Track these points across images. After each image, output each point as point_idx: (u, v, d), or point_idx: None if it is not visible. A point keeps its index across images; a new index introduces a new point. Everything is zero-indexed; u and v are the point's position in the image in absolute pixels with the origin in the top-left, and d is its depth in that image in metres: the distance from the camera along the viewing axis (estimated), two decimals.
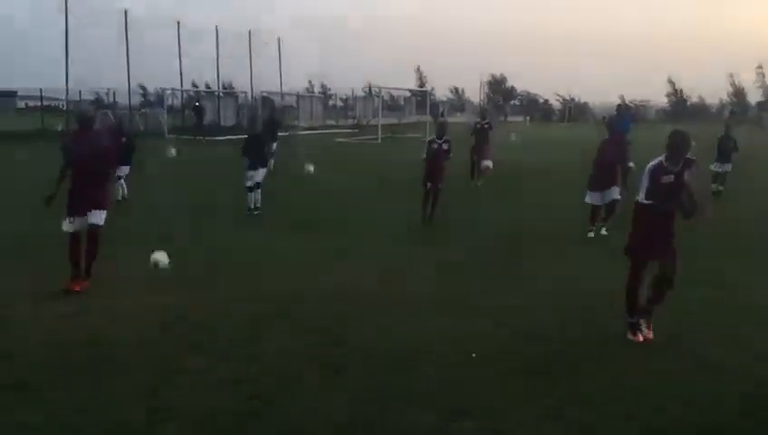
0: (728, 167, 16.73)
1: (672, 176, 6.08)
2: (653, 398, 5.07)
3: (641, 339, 6.28)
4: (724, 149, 16.77)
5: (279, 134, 20.99)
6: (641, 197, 6.25)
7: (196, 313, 6.95)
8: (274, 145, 19.94)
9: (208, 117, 45.12)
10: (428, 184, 12.27)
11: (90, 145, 7.71)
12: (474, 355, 5.85)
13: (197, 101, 41.12)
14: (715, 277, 8.57)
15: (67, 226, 7.70)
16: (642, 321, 6.35)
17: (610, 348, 6.12)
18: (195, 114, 39.81)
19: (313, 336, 6.31)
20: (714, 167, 16.61)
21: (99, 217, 7.72)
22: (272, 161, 19.49)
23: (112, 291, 7.66)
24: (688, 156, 6.14)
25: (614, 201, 11.09)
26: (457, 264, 9.34)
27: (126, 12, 38.63)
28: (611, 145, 11.34)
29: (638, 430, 4.65)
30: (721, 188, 16.41)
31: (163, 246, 9.97)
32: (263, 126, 20.13)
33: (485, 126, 19.04)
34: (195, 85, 56.46)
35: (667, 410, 4.90)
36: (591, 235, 11.17)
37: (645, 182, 6.21)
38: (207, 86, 55.76)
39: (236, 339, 6.22)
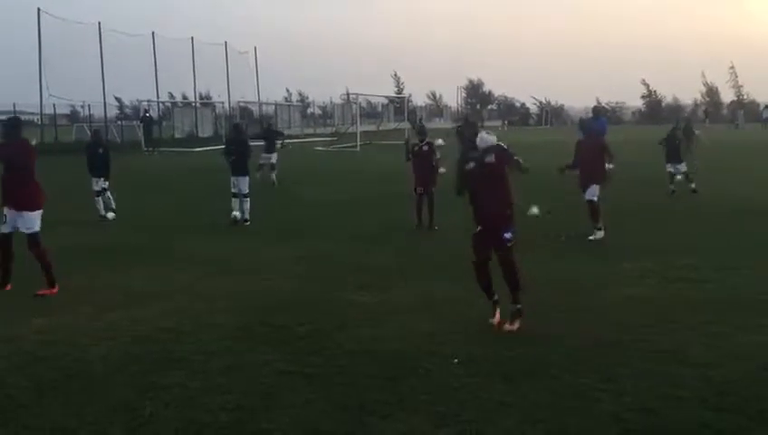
0: (682, 166, 16.76)
1: (473, 163, 6.68)
2: (636, 398, 5.08)
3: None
4: (672, 149, 16.89)
5: (278, 143, 20.22)
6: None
7: (173, 325, 6.87)
8: (274, 157, 19.56)
9: (186, 128, 44.95)
10: (418, 189, 12.28)
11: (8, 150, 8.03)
12: (456, 361, 5.84)
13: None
14: (689, 273, 8.66)
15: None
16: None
17: (594, 349, 6.12)
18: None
19: (294, 346, 6.26)
20: (668, 168, 16.80)
21: (27, 222, 7.91)
22: (274, 173, 19.28)
23: (87, 305, 7.56)
24: (496, 144, 6.71)
25: (590, 202, 11.13)
26: (440, 269, 9.34)
27: (99, 24, 38.42)
28: (587, 145, 11.39)
29: (622, 432, 4.65)
30: (693, 185, 16.54)
31: (137, 258, 9.90)
32: (262, 136, 20.16)
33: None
34: (172, 96, 56.17)
35: (650, 410, 4.90)
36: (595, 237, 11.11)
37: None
38: (185, 97, 55.47)
39: (215, 351, 6.15)
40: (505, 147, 6.76)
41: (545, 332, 6.59)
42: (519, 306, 6.69)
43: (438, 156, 12.50)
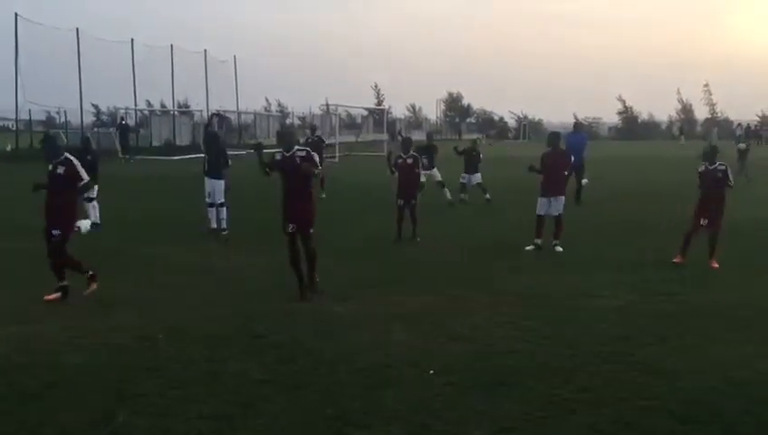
0: (478, 177, 18.11)
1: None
2: (610, 409, 5.16)
3: None
4: (471, 161, 18.20)
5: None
6: None
7: (150, 333, 6.83)
8: (436, 173, 17.84)
9: (163, 136, 44.66)
10: (399, 201, 12.38)
11: None
12: (431, 372, 5.88)
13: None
14: (663, 286, 8.80)
15: None
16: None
17: (568, 360, 6.21)
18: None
19: (271, 355, 6.27)
20: (461, 179, 18.04)
21: None
22: (446, 190, 17.89)
23: (64, 312, 7.51)
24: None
25: (558, 216, 11.46)
26: (417, 279, 9.38)
27: (78, 30, 38.09)
28: (554, 156, 11.72)
29: None
30: (464, 195, 17.75)
31: (113, 266, 9.83)
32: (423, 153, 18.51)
33: (315, 139, 19.42)
34: (150, 104, 55.74)
35: (624, 421, 4.98)
36: (529, 248, 11.37)
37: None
38: (163, 105, 55.07)
39: (193, 360, 6.13)
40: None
41: (521, 343, 6.67)
42: (91, 273, 8.27)
43: (420, 170, 12.62)
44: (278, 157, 8.36)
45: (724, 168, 10.31)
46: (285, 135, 8.84)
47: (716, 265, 10.08)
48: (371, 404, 5.22)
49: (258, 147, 8.68)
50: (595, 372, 5.90)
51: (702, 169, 10.38)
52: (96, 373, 5.82)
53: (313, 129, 21.31)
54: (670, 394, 5.44)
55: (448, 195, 17.60)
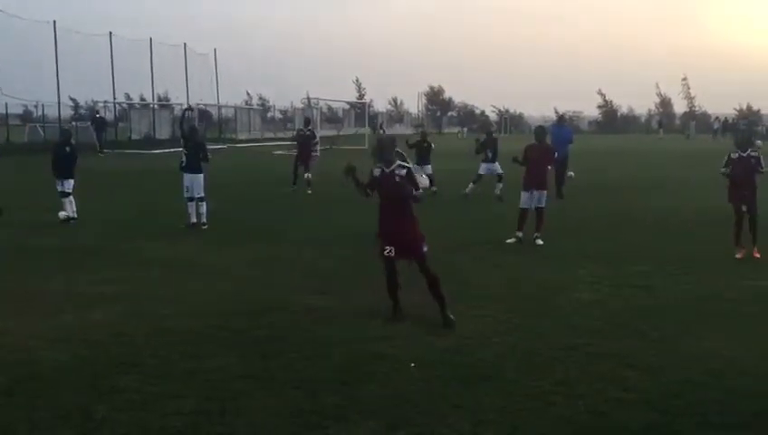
0: (428, 169, 18.04)
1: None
2: (588, 401, 5.19)
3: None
4: (421, 153, 18.39)
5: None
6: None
7: (128, 329, 6.78)
8: (497, 167, 17.85)
9: (143, 129, 44.31)
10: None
11: None
12: (413, 365, 5.89)
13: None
14: (641, 280, 8.87)
15: None
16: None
17: (547, 354, 6.24)
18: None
19: (251, 351, 6.24)
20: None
21: None
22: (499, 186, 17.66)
23: (39, 308, 7.42)
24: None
25: (541, 209, 11.57)
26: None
27: (54, 23, 37.65)
28: (538, 150, 11.82)
29: (573, 434, 4.76)
30: (434, 189, 17.69)
31: (91, 262, 9.74)
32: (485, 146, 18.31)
33: (308, 133, 19.66)
34: (129, 98, 55.31)
35: (601, 413, 5.01)
36: (510, 241, 11.43)
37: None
38: (142, 98, 54.62)
39: (171, 355, 6.09)
40: None
41: (500, 336, 6.69)
42: None
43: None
44: (377, 173, 7.27)
45: (756, 154, 10.46)
46: (386, 146, 7.51)
47: (758, 255, 10.17)
48: (351, 399, 5.22)
49: (350, 169, 7.30)
50: (572, 365, 5.93)
51: (735, 156, 10.47)
52: (71, 369, 5.76)
53: (307, 121, 21.48)
54: (651, 387, 5.48)
55: (498, 190, 17.54)
